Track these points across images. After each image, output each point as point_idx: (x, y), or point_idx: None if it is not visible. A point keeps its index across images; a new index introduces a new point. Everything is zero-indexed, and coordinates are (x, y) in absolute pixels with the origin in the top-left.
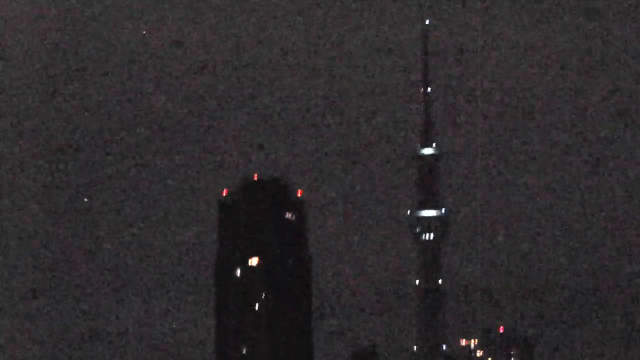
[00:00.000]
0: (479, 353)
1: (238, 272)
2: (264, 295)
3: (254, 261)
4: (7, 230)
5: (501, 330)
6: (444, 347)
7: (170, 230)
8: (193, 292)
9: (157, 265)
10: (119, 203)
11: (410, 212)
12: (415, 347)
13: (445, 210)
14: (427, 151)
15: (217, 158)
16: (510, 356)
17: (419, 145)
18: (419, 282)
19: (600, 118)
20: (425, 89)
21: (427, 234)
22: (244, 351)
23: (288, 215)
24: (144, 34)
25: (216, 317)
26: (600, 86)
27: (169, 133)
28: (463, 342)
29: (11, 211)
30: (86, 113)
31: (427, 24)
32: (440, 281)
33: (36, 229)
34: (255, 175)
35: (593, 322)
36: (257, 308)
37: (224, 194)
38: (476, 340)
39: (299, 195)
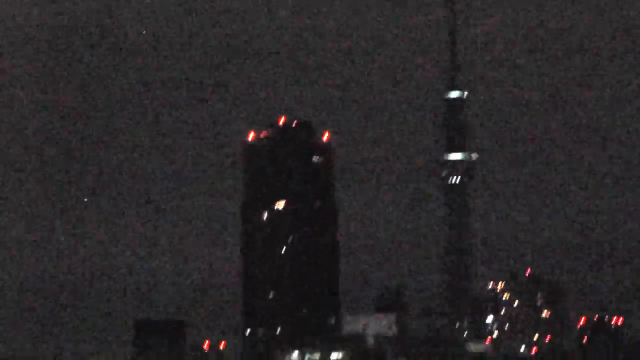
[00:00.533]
0: (505, 296)
1: (264, 215)
2: (290, 238)
3: (280, 205)
4: None
5: (527, 273)
6: (471, 289)
7: (196, 176)
8: (220, 236)
9: (185, 211)
10: (146, 149)
11: (437, 156)
12: (441, 289)
13: (472, 155)
14: (454, 94)
15: (244, 100)
16: (536, 300)
17: (446, 88)
18: (446, 226)
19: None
20: (453, 36)
21: (454, 178)
22: (271, 295)
23: (315, 158)
24: None
25: (243, 261)
26: None
27: (197, 78)
28: (490, 285)
29: None
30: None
31: None
32: (466, 225)
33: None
34: (283, 118)
35: (624, 272)
36: (283, 252)
37: (250, 138)
38: (502, 284)
39: (325, 139)
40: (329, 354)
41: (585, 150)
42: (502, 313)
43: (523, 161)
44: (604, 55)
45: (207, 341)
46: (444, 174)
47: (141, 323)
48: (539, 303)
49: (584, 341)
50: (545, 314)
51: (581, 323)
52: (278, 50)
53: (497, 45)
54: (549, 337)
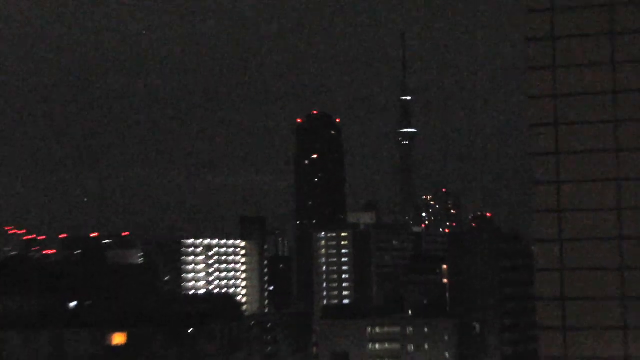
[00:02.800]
0: (432, 202)
1: (307, 162)
2: (319, 175)
3: (315, 156)
4: None
5: (444, 190)
6: (414, 197)
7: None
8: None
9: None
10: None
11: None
12: (398, 198)
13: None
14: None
15: (292, 92)
16: (448, 204)
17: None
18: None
19: None
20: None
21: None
22: (310, 203)
23: (332, 132)
24: None
25: (296, 186)
26: None
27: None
28: (424, 196)
29: None
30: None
31: None
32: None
33: None
34: (315, 111)
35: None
36: (316, 180)
37: (299, 120)
38: (430, 196)
39: (337, 120)
40: (340, 233)
41: None
42: (430, 211)
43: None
44: None
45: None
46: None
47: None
48: (449, 206)
49: (473, 225)
50: (453, 211)
51: (471, 216)
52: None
53: None
54: (454, 223)
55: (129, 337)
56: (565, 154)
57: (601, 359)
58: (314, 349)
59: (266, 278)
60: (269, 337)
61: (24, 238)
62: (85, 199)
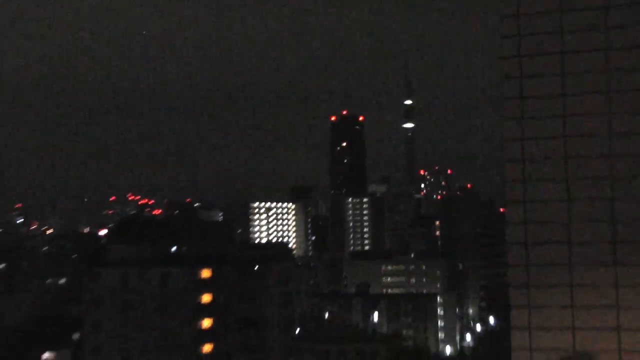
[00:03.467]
0: (427, 176)
1: (338, 148)
2: (347, 158)
3: (344, 144)
4: None
5: (436, 168)
6: (414, 171)
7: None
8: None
9: None
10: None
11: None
12: (400, 174)
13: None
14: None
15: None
16: (440, 179)
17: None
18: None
19: None
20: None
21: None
22: (341, 177)
23: (357, 127)
24: None
25: (330, 165)
26: None
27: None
28: (420, 172)
29: None
30: None
31: None
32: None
33: None
34: (345, 111)
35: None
36: (345, 161)
37: (332, 119)
38: (427, 172)
39: (361, 119)
40: (362, 199)
41: None
42: (427, 183)
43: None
44: None
45: None
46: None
47: None
48: (441, 179)
49: (458, 193)
50: (443, 183)
51: (456, 186)
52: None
53: None
54: (444, 192)
55: (213, 273)
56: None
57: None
58: (344, 282)
59: (309, 231)
60: (312, 273)
61: (140, 202)
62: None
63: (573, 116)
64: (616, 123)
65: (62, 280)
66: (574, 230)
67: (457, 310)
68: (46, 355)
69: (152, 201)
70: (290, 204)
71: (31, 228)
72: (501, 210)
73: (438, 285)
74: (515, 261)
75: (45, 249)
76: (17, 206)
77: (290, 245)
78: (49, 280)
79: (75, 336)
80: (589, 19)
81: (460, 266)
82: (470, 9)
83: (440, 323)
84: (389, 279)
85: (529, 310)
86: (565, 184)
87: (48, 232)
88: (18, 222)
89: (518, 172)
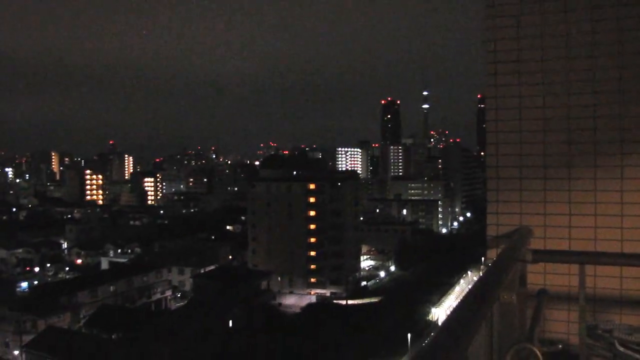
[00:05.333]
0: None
1: (385, 119)
2: (389, 125)
3: (389, 116)
4: None
5: (440, 131)
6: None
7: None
8: (374, 123)
9: None
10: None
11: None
12: None
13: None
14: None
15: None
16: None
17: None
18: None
19: None
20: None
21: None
22: (386, 134)
23: (395, 106)
24: None
25: (380, 129)
26: None
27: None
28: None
29: None
30: None
31: None
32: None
33: None
34: (389, 98)
35: None
36: (389, 126)
37: (383, 102)
38: (434, 132)
39: (398, 102)
40: (398, 146)
41: None
42: (434, 138)
43: None
44: None
45: None
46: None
47: None
48: (442, 136)
49: (451, 143)
50: (443, 138)
51: (451, 140)
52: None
53: None
54: (443, 144)
55: (315, 186)
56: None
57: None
58: (387, 193)
59: (369, 164)
60: (369, 187)
61: (276, 146)
62: (299, 129)
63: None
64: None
65: (235, 188)
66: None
67: (449, 209)
68: (229, 227)
69: (283, 146)
70: (358, 149)
71: (220, 160)
72: (474, 154)
73: (439, 195)
74: (491, 174)
75: (227, 171)
76: (212, 148)
77: (358, 172)
78: (229, 188)
79: (242, 218)
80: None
81: (452, 184)
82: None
83: (440, 215)
84: (412, 191)
85: (497, 204)
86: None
87: (229, 162)
88: (213, 156)
89: (493, 137)
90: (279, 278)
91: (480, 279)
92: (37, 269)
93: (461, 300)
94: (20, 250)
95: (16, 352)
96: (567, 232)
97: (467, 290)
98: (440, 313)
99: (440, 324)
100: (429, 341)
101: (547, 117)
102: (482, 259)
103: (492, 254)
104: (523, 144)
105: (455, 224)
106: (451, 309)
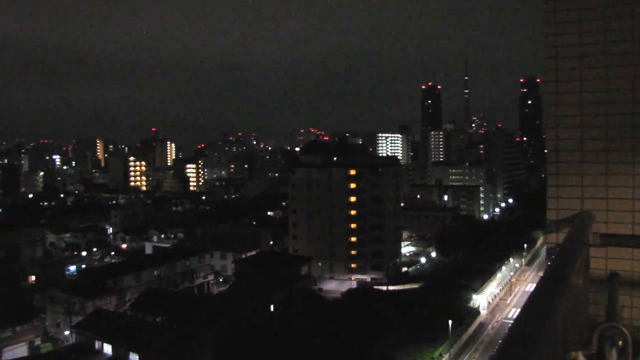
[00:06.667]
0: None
1: (425, 104)
2: (430, 110)
3: (430, 101)
4: None
5: (481, 115)
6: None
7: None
8: (414, 107)
9: None
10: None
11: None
12: None
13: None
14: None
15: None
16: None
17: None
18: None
19: None
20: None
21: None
22: (428, 120)
23: (436, 91)
24: None
25: (421, 113)
26: None
27: None
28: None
29: None
30: None
31: None
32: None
33: None
34: (430, 83)
35: None
36: (430, 111)
37: (423, 86)
38: (476, 117)
39: (439, 87)
40: (439, 131)
41: None
42: (476, 124)
43: None
44: None
45: None
46: None
47: None
48: (484, 121)
49: (493, 130)
50: (485, 124)
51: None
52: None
53: None
54: (485, 129)
55: (356, 171)
56: None
57: None
58: (428, 178)
59: (409, 150)
60: (410, 173)
61: (317, 132)
62: (339, 114)
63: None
64: None
65: (276, 174)
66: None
67: (491, 195)
68: (270, 213)
69: (323, 132)
70: (399, 134)
71: (260, 146)
72: (517, 139)
73: (481, 181)
74: (551, 159)
75: (267, 157)
76: (253, 134)
77: (398, 158)
78: (269, 174)
79: (283, 204)
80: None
81: (493, 170)
82: None
83: (481, 202)
84: (453, 177)
85: (557, 188)
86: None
87: (269, 148)
88: (254, 142)
89: (552, 119)
90: (320, 263)
91: (553, 262)
92: (84, 253)
93: (538, 284)
94: (68, 235)
95: (67, 332)
96: (630, 216)
97: (540, 273)
98: (481, 300)
99: (520, 308)
100: (511, 326)
101: (609, 100)
102: (524, 245)
103: (552, 238)
104: (584, 127)
105: (497, 210)
106: (525, 292)
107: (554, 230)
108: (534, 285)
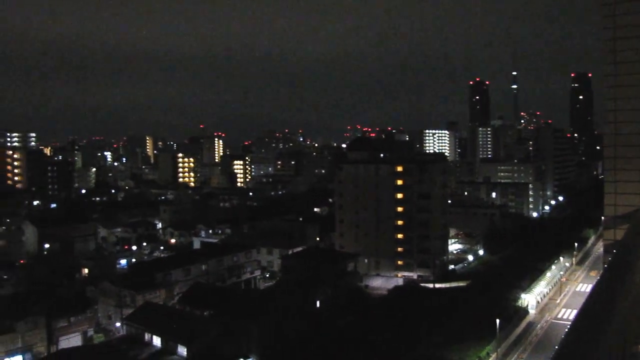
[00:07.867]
0: None
1: (473, 100)
2: (477, 106)
3: (477, 97)
4: None
5: (529, 111)
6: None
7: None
8: (463, 104)
9: None
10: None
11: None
12: None
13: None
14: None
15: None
16: None
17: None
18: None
19: None
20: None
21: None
22: (476, 116)
23: (484, 87)
24: None
25: (469, 110)
26: None
27: None
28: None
29: None
30: None
31: None
32: None
33: None
34: (473, 81)
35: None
36: (477, 107)
37: (471, 82)
38: (524, 113)
39: (487, 83)
40: (487, 128)
41: None
42: (524, 120)
43: None
44: None
45: None
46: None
47: None
48: (533, 117)
49: (542, 124)
50: (534, 119)
51: (542, 121)
52: None
53: None
54: (534, 125)
55: (403, 168)
56: None
57: None
58: (476, 175)
59: (456, 146)
60: (457, 170)
61: (363, 129)
62: (385, 112)
63: None
64: None
65: (323, 170)
66: None
67: (540, 192)
68: (316, 209)
69: (370, 129)
70: (446, 131)
71: (307, 142)
72: (567, 135)
73: (530, 178)
74: (609, 154)
75: (314, 154)
76: (300, 130)
77: (446, 154)
78: (316, 170)
79: (329, 200)
80: None
81: (543, 167)
82: None
83: (530, 199)
84: (501, 174)
85: (615, 184)
86: None
87: (316, 144)
88: (300, 139)
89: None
90: (366, 260)
91: (614, 258)
92: (134, 248)
93: (599, 280)
94: (119, 230)
95: (117, 324)
96: None
97: (601, 270)
98: (530, 299)
99: (581, 305)
100: (574, 320)
101: None
102: (575, 244)
103: (609, 234)
104: None
105: (547, 207)
106: (588, 288)
107: (612, 227)
108: (586, 285)
